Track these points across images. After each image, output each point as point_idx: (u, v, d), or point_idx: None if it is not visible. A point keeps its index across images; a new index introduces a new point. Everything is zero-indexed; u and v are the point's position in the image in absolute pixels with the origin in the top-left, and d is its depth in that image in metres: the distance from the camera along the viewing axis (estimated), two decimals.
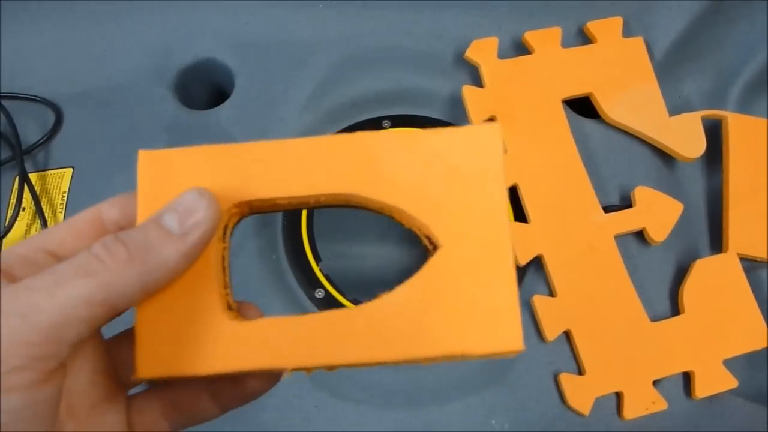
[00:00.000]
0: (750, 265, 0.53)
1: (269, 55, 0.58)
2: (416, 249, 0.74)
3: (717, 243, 0.55)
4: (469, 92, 0.55)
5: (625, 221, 0.52)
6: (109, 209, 0.26)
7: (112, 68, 0.59)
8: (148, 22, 0.59)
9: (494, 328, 0.24)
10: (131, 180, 0.56)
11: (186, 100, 0.58)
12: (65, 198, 0.53)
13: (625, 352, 0.49)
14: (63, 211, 0.53)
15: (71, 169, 0.55)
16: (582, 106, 0.57)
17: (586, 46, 0.58)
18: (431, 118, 0.56)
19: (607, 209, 0.53)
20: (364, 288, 0.71)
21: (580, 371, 0.49)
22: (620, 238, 0.52)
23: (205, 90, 0.62)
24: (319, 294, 0.49)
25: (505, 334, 0.24)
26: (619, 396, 0.48)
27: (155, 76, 0.58)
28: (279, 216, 0.52)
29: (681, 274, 0.52)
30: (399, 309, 0.25)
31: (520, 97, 0.55)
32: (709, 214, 0.56)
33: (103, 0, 0.59)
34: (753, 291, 0.51)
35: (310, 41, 0.58)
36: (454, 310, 0.24)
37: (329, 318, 0.25)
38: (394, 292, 0.25)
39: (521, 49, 0.58)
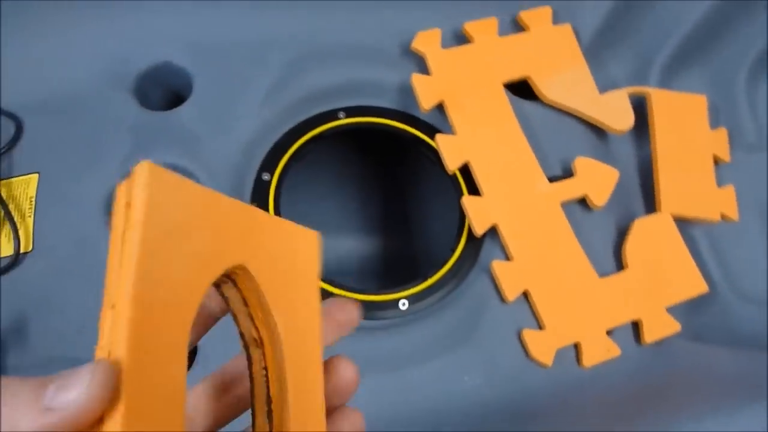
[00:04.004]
0: (680, 223, 0.59)
1: (225, 55, 0.60)
2: (372, 239, 0.78)
3: (651, 205, 0.60)
4: (417, 80, 0.58)
5: (569, 189, 0.57)
6: None
7: (70, 76, 0.59)
8: (103, 29, 0.60)
9: None
10: (100, 181, 0.57)
11: (147, 104, 0.59)
12: (33, 202, 0.54)
13: (579, 307, 0.53)
14: (32, 215, 0.54)
15: (37, 174, 0.55)
16: (521, 89, 0.62)
17: (520, 34, 0.63)
18: (384, 108, 0.60)
19: (552, 180, 0.57)
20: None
21: (540, 327, 0.53)
22: (566, 206, 0.57)
23: (165, 93, 0.63)
24: None
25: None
26: (577, 346, 0.52)
27: (114, 82, 0.59)
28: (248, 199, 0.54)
29: (622, 234, 0.57)
30: None
31: (464, 82, 0.59)
32: (642, 179, 0.61)
33: (57, 8, 0.59)
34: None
35: (264, 41, 0.61)
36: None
37: None
38: None
39: (462, 39, 0.62)
